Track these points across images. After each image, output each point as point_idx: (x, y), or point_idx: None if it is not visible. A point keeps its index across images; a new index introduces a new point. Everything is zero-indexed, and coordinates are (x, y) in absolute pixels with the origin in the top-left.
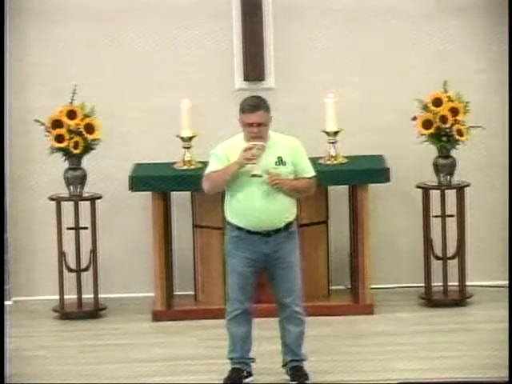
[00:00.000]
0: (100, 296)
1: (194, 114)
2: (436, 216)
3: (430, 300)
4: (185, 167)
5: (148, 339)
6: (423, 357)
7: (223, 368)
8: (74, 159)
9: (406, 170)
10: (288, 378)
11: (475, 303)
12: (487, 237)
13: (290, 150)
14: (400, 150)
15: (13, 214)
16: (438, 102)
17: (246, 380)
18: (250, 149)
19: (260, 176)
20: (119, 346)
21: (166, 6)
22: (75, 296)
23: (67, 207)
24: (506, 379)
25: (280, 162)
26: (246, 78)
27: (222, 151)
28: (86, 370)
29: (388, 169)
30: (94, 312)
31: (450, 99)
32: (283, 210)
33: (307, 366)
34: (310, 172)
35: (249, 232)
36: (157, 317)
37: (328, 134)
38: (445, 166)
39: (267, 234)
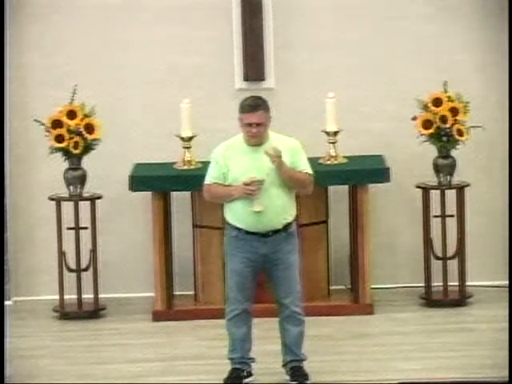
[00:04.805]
0: (100, 296)
1: (193, 114)
2: (436, 216)
3: (429, 300)
4: (185, 167)
5: (148, 339)
6: (423, 357)
7: (223, 368)
8: (74, 159)
9: (406, 170)
10: (288, 377)
11: (475, 303)
12: (487, 237)
13: (289, 151)
14: (400, 150)
15: (13, 213)
16: (437, 102)
17: (246, 380)
18: (249, 184)
19: (261, 211)
20: (119, 346)
21: (167, 6)
22: (75, 296)
23: (67, 207)
24: (506, 379)
25: None
26: (246, 78)
27: (221, 154)
28: (86, 369)
29: (388, 169)
30: (94, 312)
31: (449, 99)
32: (282, 212)
33: (307, 366)
34: (308, 171)
35: (247, 232)
36: (157, 317)
37: (328, 133)
38: (445, 166)
39: (266, 234)
